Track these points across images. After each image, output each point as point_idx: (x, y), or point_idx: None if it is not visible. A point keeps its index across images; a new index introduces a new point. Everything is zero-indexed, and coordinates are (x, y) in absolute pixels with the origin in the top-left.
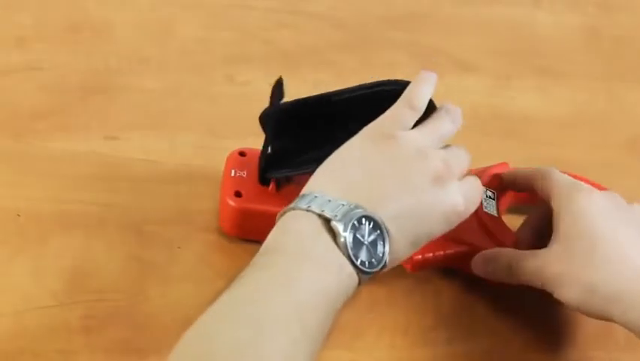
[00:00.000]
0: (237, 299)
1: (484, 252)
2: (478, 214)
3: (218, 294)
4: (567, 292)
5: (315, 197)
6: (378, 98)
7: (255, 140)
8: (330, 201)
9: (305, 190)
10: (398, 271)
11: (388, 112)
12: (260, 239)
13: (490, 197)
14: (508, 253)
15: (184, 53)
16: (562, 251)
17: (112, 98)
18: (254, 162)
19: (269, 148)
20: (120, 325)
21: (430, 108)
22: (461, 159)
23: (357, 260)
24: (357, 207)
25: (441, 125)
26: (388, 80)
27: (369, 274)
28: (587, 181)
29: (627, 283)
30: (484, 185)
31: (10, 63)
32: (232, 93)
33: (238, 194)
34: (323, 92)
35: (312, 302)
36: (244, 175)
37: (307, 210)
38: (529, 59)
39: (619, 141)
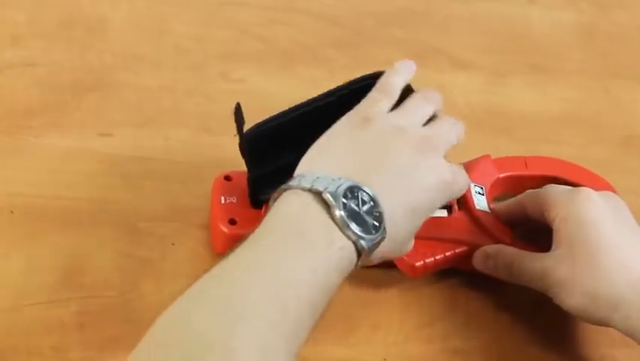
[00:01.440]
0: (215, 282)
1: (485, 247)
2: (473, 213)
3: None
4: (569, 299)
5: (304, 176)
6: (361, 93)
7: None
8: (319, 177)
9: (294, 174)
10: (393, 267)
11: (364, 100)
12: None
13: (479, 193)
14: (510, 251)
15: (178, 50)
16: (565, 256)
17: (106, 94)
18: (241, 186)
19: (255, 172)
20: (114, 321)
21: (409, 94)
22: (445, 136)
23: (353, 229)
24: (347, 179)
25: (416, 106)
26: (365, 75)
27: (369, 243)
28: (586, 173)
29: (628, 289)
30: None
31: (4, 60)
32: (226, 90)
33: (233, 222)
34: (314, 88)
35: (296, 281)
36: (234, 201)
37: (297, 188)
38: (524, 56)
39: (614, 139)
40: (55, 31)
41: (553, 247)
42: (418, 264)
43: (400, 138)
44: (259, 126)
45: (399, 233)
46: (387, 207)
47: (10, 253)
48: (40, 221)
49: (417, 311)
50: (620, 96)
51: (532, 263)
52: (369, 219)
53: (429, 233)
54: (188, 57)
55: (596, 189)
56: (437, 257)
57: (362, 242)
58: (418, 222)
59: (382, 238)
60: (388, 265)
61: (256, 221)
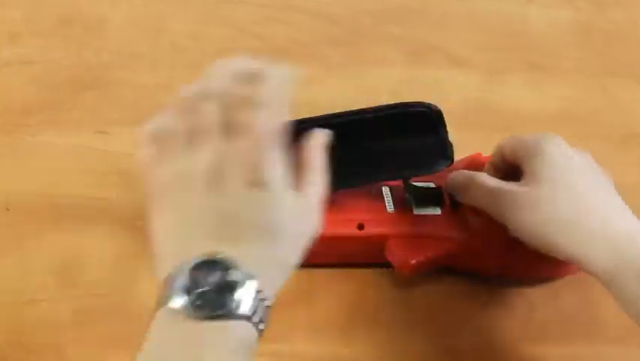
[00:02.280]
0: None
1: (456, 173)
2: (465, 211)
3: None
4: (527, 215)
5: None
6: (399, 117)
7: None
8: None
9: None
10: (385, 269)
11: None
12: None
13: None
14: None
15: (176, 48)
16: (530, 182)
17: (103, 93)
18: None
19: None
20: (111, 319)
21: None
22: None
23: (215, 311)
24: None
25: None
26: (410, 102)
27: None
28: None
29: (599, 233)
30: None
31: (1, 58)
32: None
33: None
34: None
35: None
36: None
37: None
38: (521, 54)
39: (611, 137)
40: (53, 29)
41: (523, 175)
42: (412, 262)
43: (230, 173)
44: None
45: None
46: (248, 260)
47: (7, 251)
48: (37, 219)
49: (412, 310)
50: (617, 94)
51: (492, 181)
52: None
53: (423, 231)
54: (185, 55)
55: None
56: (431, 255)
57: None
58: (295, 247)
59: (257, 300)
60: (383, 264)
61: None
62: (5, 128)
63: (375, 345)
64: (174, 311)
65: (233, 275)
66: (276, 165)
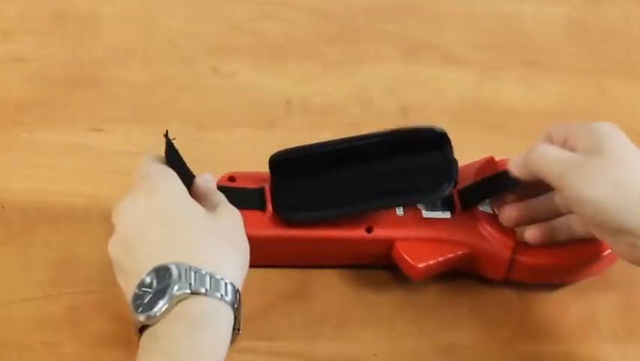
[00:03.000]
0: None
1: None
2: (476, 214)
3: None
4: (591, 189)
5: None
6: (403, 141)
7: (242, 132)
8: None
9: None
10: (387, 267)
11: None
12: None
13: None
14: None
15: (170, 45)
16: (588, 153)
17: (98, 90)
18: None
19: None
20: (106, 316)
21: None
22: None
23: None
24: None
25: None
26: (414, 127)
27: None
28: None
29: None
30: (471, 180)
31: None
32: (218, 85)
33: None
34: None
35: None
36: None
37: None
38: (515, 52)
39: None
40: (47, 26)
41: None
42: (420, 265)
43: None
44: (288, 152)
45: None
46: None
47: (2, 248)
48: (32, 216)
49: (407, 308)
50: (612, 91)
51: (554, 151)
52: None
53: (432, 234)
54: (179, 52)
55: None
56: (439, 259)
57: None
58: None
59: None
60: (387, 264)
61: (261, 222)
62: (0, 126)
63: (371, 342)
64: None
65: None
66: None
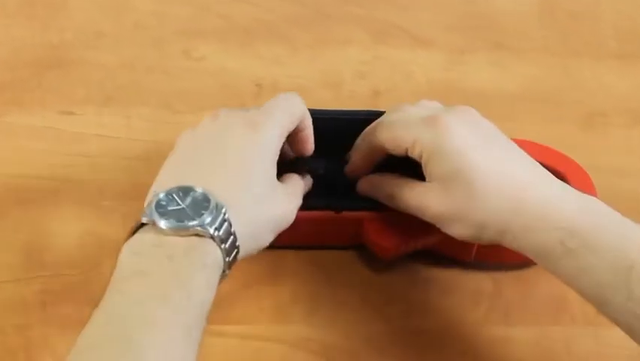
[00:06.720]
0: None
1: (369, 176)
2: None
3: None
4: (456, 230)
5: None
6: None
7: None
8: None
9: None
10: (357, 248)
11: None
12: None
13: None
14: (390, 181)
15: (140, 28)
16: (440, 191)
17: (67, 72)
18: None
19: None
20: (76, 300)
21: None
22: (273, 105)
23: (190, 224)
24: (172, 188)
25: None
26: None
27: (214, 223)
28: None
29: (511, 215)
30: None
31: None
32: (188, 68)
33: None
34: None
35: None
36: None
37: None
38: (483, 34)
39: (574, 117)
40: (16, 9)
41: (427, 179)
42: (389, 245)
43: (233, 121)
44: None
45: (251, 210)
46: (224, 194)
47: None
48: (3, 200)
49: (377, 291)
50: (580, 74)
51: (410, 199)
52: (198, 209)
53: (400, 214)
54: (149, 34)
55: (568, 172)
56: (408, 238)
57: (207, 228)
58: (263, 190)
59: (224, 220)
60: (355, 245)
61: None
62: None
63: (340, 326)
64: (146, 229)
65: (203, 198)
66: (274, 125)
